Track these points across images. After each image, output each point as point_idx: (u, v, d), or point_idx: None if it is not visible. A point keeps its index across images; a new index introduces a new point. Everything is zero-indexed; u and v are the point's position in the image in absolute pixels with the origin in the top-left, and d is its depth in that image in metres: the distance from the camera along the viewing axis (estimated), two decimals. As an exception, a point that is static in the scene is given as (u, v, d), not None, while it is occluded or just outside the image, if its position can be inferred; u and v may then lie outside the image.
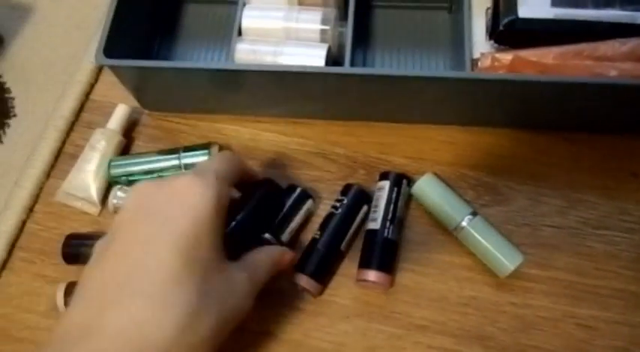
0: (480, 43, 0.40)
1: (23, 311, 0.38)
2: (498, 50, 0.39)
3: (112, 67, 0.39)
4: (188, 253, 0.27)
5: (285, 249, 0.35)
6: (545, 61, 0.36)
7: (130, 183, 0.41)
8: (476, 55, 0.39)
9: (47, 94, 0.47)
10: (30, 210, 0.41)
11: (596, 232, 0.38)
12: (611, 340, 0.35)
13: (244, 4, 0.42)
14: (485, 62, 0.38)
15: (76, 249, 0.38)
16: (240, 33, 0.41)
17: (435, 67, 0.44)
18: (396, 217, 0.37)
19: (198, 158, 0.40)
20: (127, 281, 0.27)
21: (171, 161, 0.40)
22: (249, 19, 0.41)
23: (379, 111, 0.42)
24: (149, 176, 0.41)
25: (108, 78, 0.46)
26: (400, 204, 0.38)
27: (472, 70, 0.38)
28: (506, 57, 0.37)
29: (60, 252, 0.38)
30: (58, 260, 0.38)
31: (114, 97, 0.44)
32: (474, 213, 0.37)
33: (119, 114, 0.42)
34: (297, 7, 0.41)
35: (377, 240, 0.37)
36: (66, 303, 0.36)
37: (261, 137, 0.43)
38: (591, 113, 0.39)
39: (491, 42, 0.40)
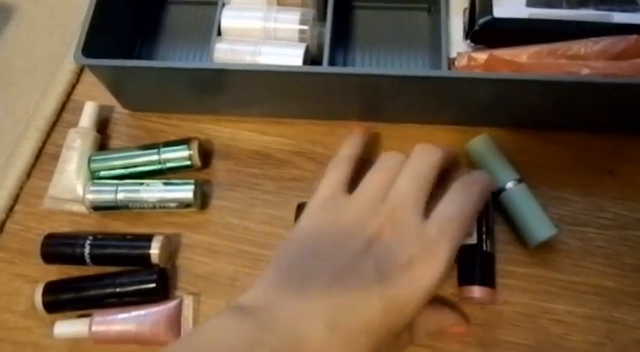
0: (457, 43, 0.41)
1: (3, 312, 0.38)
2: (475, 49, 0.40)
3: (91, 67, 0.39)
4: (394, 319, 0.28)
5: (460, 320, 0.35)
6: (519, 59, 0.37)
7: (99, 178, 0.41)
8: (453, 54, 0.40)
9: (29, 95, 0.47)
10: (10, 210, 0.41)
11: (572, 229, 0.39)
12: (587, 335, 0.36)
13: (224, 5, 0.42)
14: (462, 61, 0.38)
15: (55, 249, 0.38)
16: (219, 33, 0.41)
17: (415, 66, 0.44)
18: (490, 229, 0.37)
19: (177, 153, 0.40)
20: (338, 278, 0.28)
21: (151, 156, 0.40)
22: (229, 19, 0.41)
23: (359, 110, 0.42)
24: (129, 170, 0.40)
25: (89, 78, 0.46)
26: (491, 215, 0.38)
27: (449, 69, 0.39)
28: (482, 56, 0.37)
29: (39, 251, 0.38)
30: (38, 260, 0.38)
31: (95, 97, 0.44)
32: (520, 180, 0.38)
33: (89, 112, 0.42)
34: (275, 8, 0.41)
35: (476, 254, 0.36)
36: (44, 303, 0.36)
37: (242, 136, 0.43)
38: (566, 111, 0.40)
39: (468, 41, 0.40)
